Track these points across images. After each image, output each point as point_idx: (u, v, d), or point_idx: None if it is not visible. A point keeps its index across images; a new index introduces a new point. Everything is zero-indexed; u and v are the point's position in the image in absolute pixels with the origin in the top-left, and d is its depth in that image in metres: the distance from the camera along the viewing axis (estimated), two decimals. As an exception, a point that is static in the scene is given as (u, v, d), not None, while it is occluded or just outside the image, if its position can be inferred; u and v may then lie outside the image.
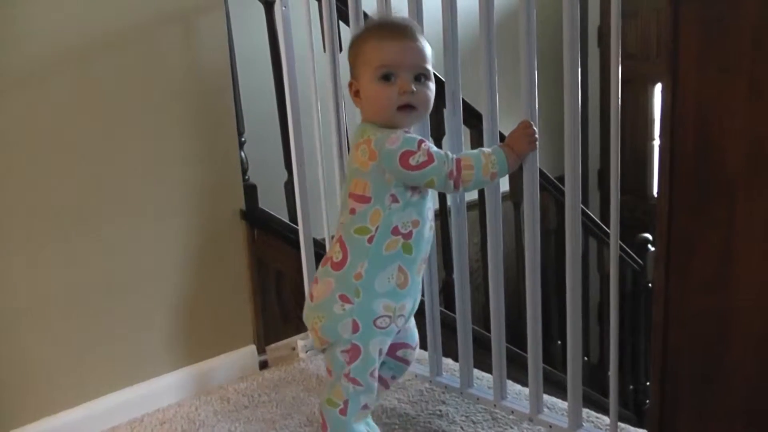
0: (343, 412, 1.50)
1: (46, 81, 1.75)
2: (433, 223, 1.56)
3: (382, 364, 1.59)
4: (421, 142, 1.43)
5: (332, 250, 1.51)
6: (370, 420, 1.66)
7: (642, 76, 4.61)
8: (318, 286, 1.51)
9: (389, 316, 1.49)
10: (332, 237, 1.57)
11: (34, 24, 1.72)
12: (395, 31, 1.46)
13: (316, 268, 2.17)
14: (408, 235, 1.47)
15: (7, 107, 1.71)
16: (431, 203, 1.54)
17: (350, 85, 1.51)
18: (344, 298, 1.46)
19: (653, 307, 1.26)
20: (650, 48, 4.63)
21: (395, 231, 1.46)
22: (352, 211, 1.47)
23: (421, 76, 1.45)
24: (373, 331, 1.48)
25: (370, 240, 1.46)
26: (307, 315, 1.54)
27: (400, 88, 1.42)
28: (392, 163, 1.42)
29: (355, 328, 1.46)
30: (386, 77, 1.43)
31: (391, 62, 1.43)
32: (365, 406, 1.53)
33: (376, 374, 1.53)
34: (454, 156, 1.45)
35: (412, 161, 1.41)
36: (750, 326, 1.15)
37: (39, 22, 1.72)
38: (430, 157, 1.42)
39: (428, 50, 1.47)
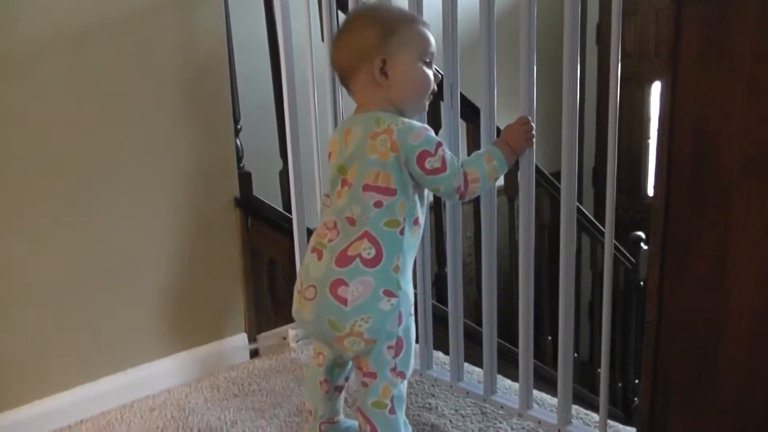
0: (392, 410, 1.48)
1: (43, 66, 1.74)
2: None
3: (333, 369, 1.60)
4: (439, 145, 1.43)
5: (356, 247, 1.42)
6: None
7: (639, 74, 4.62)
8: (352, 288, 1.41)
9: (413, 303, 1.50)
10: (331, 230, 1.47)
11: (31, 9, 1.71)
12: (426, 23, 1.51)
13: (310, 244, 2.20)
14: (420, 225, 1.50)
15: (2, 92, 1.69)
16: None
17: (383, 61, 1.44)
18: (389, 293, 1.43)
19: (646, 306, 1.26)
20: (648, 47, 4.64)
21: (416, 221, 1.47)
22: (378, 204, 1.42)
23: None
24: (410, 319, 1.48)
25: (401, 232, 1.44)
26: (338, 321, 1.43)
27: (434, 76, 1.50)
28: (410, 159, 1.41)
29: (400, 320, 1.45)
30: (429, 64, 1.48)
31: (433, 52, 1.49)
32: (404, 400, 1.52)
33: (412, 367, 1.52)
34: (462, 169, 1.46)
35: (428, 165, 1.42)
36: (742, 328, 1.15)
37: (36, 7, 1.71)
38: (444, 166, 1.43)
39: None
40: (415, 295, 1.90)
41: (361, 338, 1.43)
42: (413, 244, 1.49)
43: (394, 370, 1.47)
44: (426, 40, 1.48)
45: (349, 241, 1.43)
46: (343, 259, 1.43)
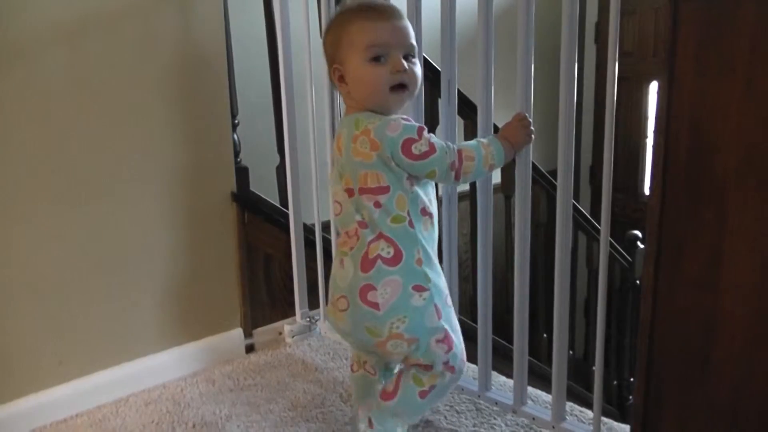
0: (424, 394, 1.47)
1: (39, 57, 1.74)
2: None
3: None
4: (421, 129, 1.41)
5: (374, 249, 1.42)
6: None
7: (638, 74, 4.63)
8: (380, 291, 1.41)
9: (448, 293, 1.48)
10: (352, 237, 1.46)
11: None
12: (380, 12, 1.43)
13: (305, 253, 2.21)
14: (432, 215, 1.47)
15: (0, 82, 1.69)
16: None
17: (334, 70, 1.46)
18: (419, 288, 1.42)
19: (641, 304, 1.27)
20: (647, 46, 4.65)
21: (423, 211, 1.45)
22: (377, 205, 1.41)
23: (409, 56, 1.44)
24: (448, 309, 1.47)
25: (410, 224, 1.42)
26: (375, 326, 1.42)
27: (393, 67, 1.40)
28: (395, 151, 1.39)
29: (439, 313, 1.44)
30: (376, 58, 1.40)
31: (381, 42, 1.40)
32: (439, 400, 1.52)
33: (465, 357, 1.51)
34: (455, 147, 1.44)
35: (415, 150, 1.39)
36: (736, 327, 1.15)
37: (33, -3, 1.71)
38: (432, 147, 1.40)
39: (412, 29, 1.46)
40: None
41: (402, 339, 1.43)
42: (430, 234, 1.46)
43: (446, 364, 1.46)
44: (365, 36, 1.40)
45: (366, 246, 1.43)
46: (366, 264, 1.42)
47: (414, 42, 1.45)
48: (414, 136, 1.39)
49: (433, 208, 1.49)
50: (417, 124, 1.42)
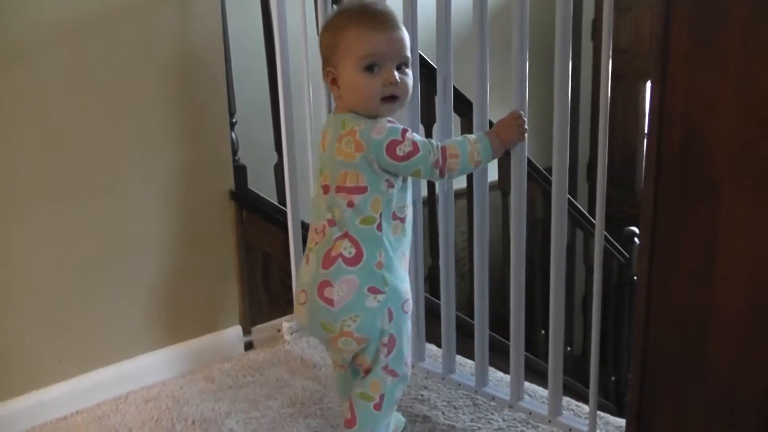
0: (378, 407, 1.49)
1: (38, 56, 1.75)
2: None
3: None
4: (404, 131, 1.43)
5: (337, 247, 1.44)
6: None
7: (634, 71, 4.63)
8: (336, 288, 1.43)
9: (409, 299, 1.49)
10: (319, 233, 1.48)
11: (28, -1, 1.72)
12: (378, 21, 1.42)
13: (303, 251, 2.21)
14: (403, 219, 1.48)
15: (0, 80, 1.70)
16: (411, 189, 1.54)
17: (327, 72, 1.47)
18: (375, 290, 1.43)
19: (636, 298, 1.28)
20: (643, 44, 4.65)
21: (394, 216, 1.46)
22: (351, 204, 1.43)
23: (402, 65, 1.44)
24: (403, 316, 1.48)
25: (378, 228, 1.44)
26: (329, 322, 1.45)
27: (385, 79, 1.41)
28: (380, 154, 1.40)
29: (390, 317, 1.45)
30: (370, 68, 1.41)
31: (376, 53, 1.40)
32: (396, 402, 1.53)
33: (410, 362, 1.53)
34: (439, 144, 1.46)
35: (399, 151, 1.41)
36: (730, 320, 1.16)
37: (32, -3, 1.72)
38: (416, 147, 1.42)
39: (408, 38, 1.46)
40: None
41: (352, 338, 1.45)
42: (398, 239, 1.48)
43: (386, 368, 1.48)
44: (360, 45, 1.40)
45: (331, 243, 1.45)
46: (327, 261, 1.45)
47: (408, 53, 1.45)
48: (398, 138, 1.41)
49: (407, 213, 1.50)
50: (401, 127, 1.44)
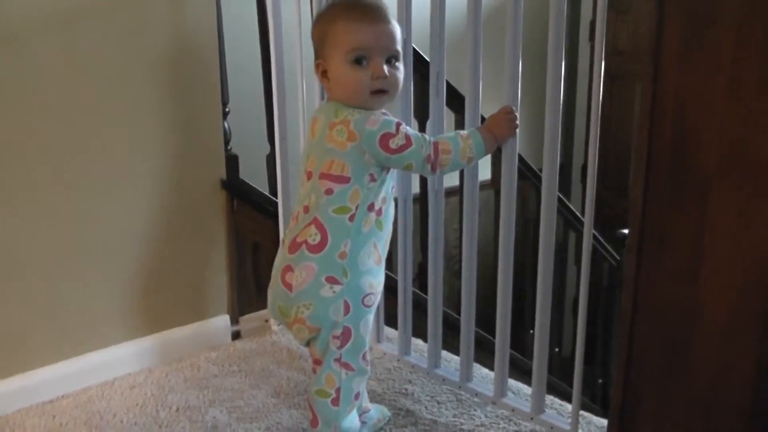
0: (336, 401, 1.48)
1: (31, 44, 1.74)
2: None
3: None
4: (399, 124, 1.42)
5: (304, 233, 1.44)
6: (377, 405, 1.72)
7: (632, 73, 4.61)
8: (296, 274, 1.43)
9: (373, 294, 1.48)
10: (294, 219, 1.49)
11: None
12: (368, 14, 1.42)
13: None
14: (379, 212, 1.47)
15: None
16: (394, 181, 1.53)
17: (318, 65, 1.48)
18: (332, 280, 1.42)
19: (623, 294, 1.28)
20: (641, 45, 4.63)
21: (371, 208, 1.45)
22: (329, 192, 1.42)
23: (392, 59, 1.44)
24: (363, 310, 1.46)
25: (351, 218, 1.43)
26: (285, 307, 1.46)
27: (374, 73, 1.41)
28: (373, 145, 1.40)
29: (347, 310, 1.44)
30: (358, 61, 1.41)
31: (364, 46, 1.40)
32: (357, 395, 1.51)
33: (368, 357, 1.51)
34: (432, 139, 1.46)
35: (392, 144, 1.41)
36: (715, 318, 1.16)
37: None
38: (408, 141, 1.42)
39: (399, 32, 1.45)
40: (395, 281, 1.93)
41: (304, 325, 1.45)
42: (371, 231, 1.46)
43: (338, 360, 1.47)
44: (348, 38, 1.41)
45: (300, 229, 1.45)
46: (293, 246, 1.45)
47: (399, 47, 1.44)
48: (392, 131, 1.41)
49: (387, 207, 1.49)
50: (395, 120, 1.44)
